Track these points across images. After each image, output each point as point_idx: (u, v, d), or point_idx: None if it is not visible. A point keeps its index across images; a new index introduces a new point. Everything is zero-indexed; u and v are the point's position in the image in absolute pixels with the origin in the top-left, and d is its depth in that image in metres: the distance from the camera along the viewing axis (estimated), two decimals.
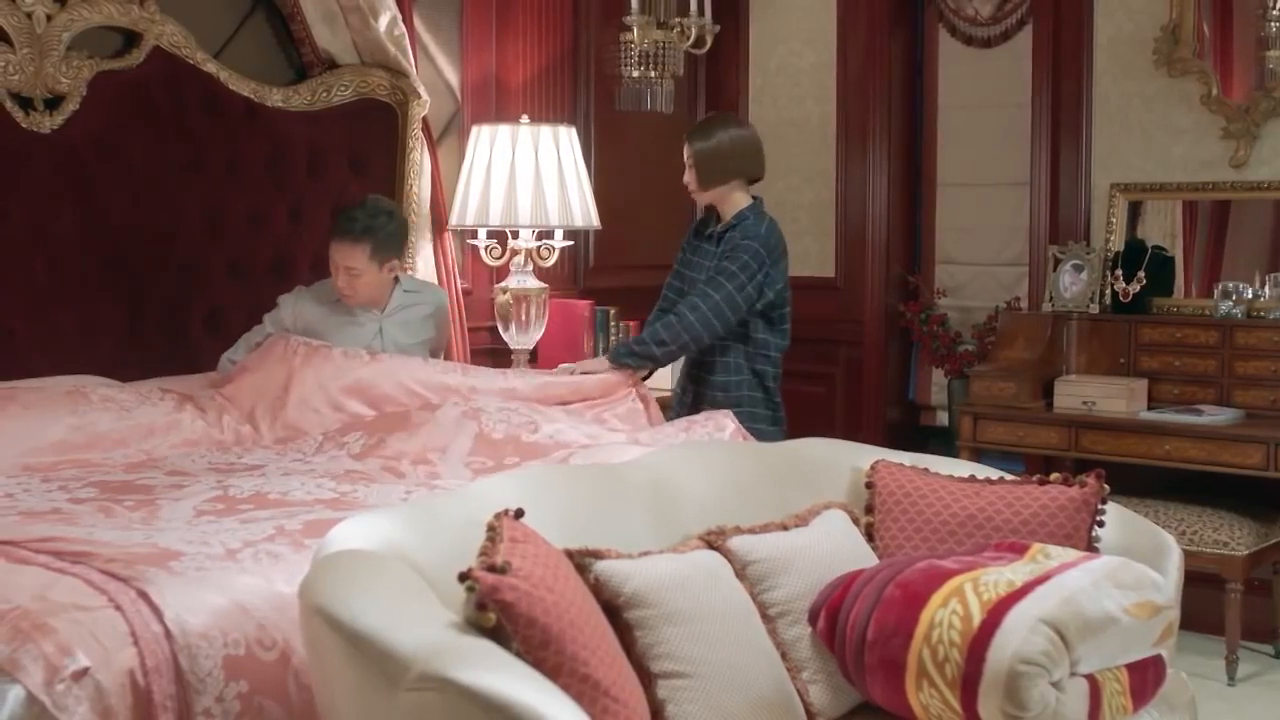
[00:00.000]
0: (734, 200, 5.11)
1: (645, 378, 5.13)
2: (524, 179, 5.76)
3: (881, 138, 6.69)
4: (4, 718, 2.55)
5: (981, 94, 6.55)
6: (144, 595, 2.81)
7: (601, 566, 2.68)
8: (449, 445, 4.22)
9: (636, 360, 4.99)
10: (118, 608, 2.77)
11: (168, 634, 2.75)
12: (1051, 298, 5.91)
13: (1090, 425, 5.45)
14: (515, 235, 5.97)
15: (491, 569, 2.35)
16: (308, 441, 4.37)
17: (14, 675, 2.58)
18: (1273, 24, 5.53)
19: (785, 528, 3.19)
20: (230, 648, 2.82)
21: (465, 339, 5.88)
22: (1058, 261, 5.92)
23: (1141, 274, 5.72)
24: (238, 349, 4.96)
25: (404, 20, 5.64)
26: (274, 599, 2.92)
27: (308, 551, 2.87)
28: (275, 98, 5.38)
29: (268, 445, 4.42)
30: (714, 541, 3.04)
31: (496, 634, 2.33)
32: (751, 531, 3.12)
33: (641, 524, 3.16)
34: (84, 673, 2.62)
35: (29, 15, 4.73)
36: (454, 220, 5.94)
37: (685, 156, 5.15)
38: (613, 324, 6.27)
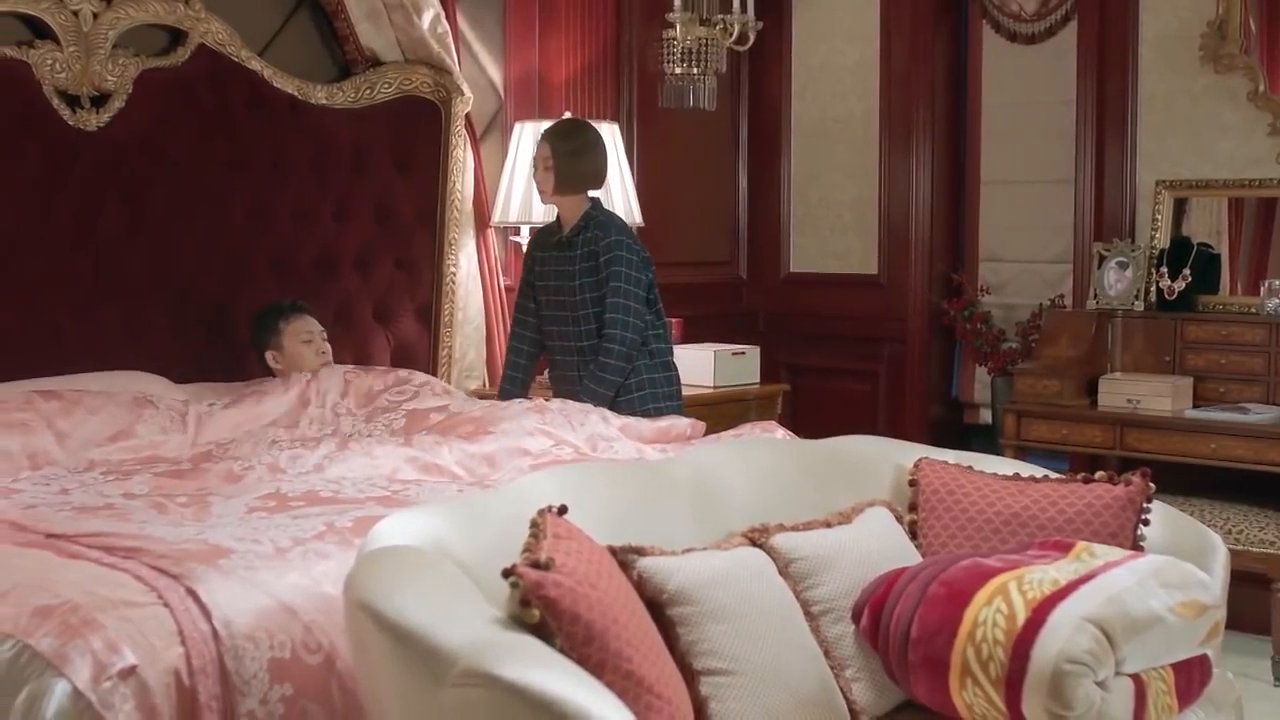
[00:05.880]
0: (578, 205, 5.13)
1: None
2: None
3: (925, 134, 6.67)
4: (51, 713, 2.56)
5: (1026, 90, 6.51)
6: (193, 593, 2.81)
7: (645, 563, 2.69)
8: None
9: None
10: (166, 605, 2.78)
11: (215, 634, 2.75)
12: (1096, 295, 5.87)
13: (1135, 423, 5.42)
14: None
15: (535, 565, 2.36)
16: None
17: (62, 670, 2.58)
18: None
19: (829, 525, 3.19)
20: (276, 650, 2.81)
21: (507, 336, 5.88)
22: (1102, 259, 5.89)
23: (1187, 271, 5.68)
24: None
25: (447, 17, 5.66)
26: (321, 601, 2.92)
27: (355, 550, 2.87)
28: (319, 95, 5.40)
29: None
30: (757, 539, 3.04)
31: (540, 630, 2.33)
32: (795, 529, 3.12)
33: (685, 521, 3.16)
34: (131, 671, 2.63)
35: (75, 13, 4.77)
36: (497, 217, 5.96)
37: (542, 157, 5.12)
38: None
